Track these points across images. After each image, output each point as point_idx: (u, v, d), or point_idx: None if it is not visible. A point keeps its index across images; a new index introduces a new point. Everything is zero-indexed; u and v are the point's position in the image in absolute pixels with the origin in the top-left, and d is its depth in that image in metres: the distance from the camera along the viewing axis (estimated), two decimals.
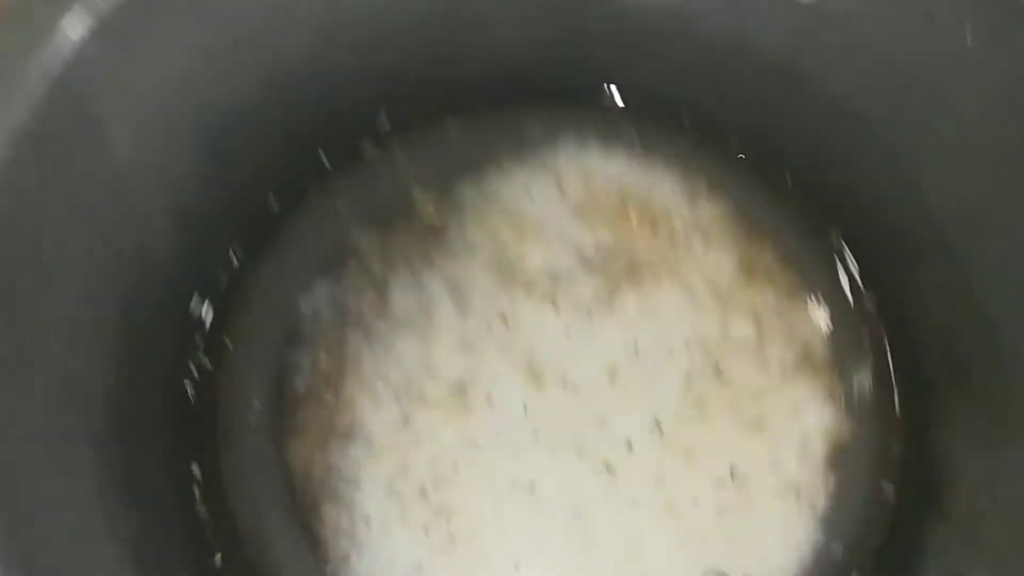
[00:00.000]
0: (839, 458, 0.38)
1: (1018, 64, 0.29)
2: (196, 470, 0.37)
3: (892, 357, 0.39)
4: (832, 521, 0.37)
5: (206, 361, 0.39)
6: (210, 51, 0.33)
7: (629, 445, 0.38)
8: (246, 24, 0.33)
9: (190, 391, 0.38)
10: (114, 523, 0.30)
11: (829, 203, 0.42)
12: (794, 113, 0.40)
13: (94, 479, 0.30)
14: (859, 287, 0.41)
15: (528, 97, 0.44)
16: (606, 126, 0.44)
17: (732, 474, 0.37)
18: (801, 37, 0.36)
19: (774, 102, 0.41)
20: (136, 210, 0.32)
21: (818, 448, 0.38)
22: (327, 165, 0.42)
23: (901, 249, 0.39)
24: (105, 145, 0.30)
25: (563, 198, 0.43)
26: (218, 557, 0.36)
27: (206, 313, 0.39)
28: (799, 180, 0.43)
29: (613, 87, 0.45)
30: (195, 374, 0.38)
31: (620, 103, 0.45)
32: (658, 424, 0.38)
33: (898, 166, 0.37)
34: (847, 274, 0.41)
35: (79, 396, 0.29)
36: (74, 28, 0.26)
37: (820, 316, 0.40)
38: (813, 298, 0.41)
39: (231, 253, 0.40)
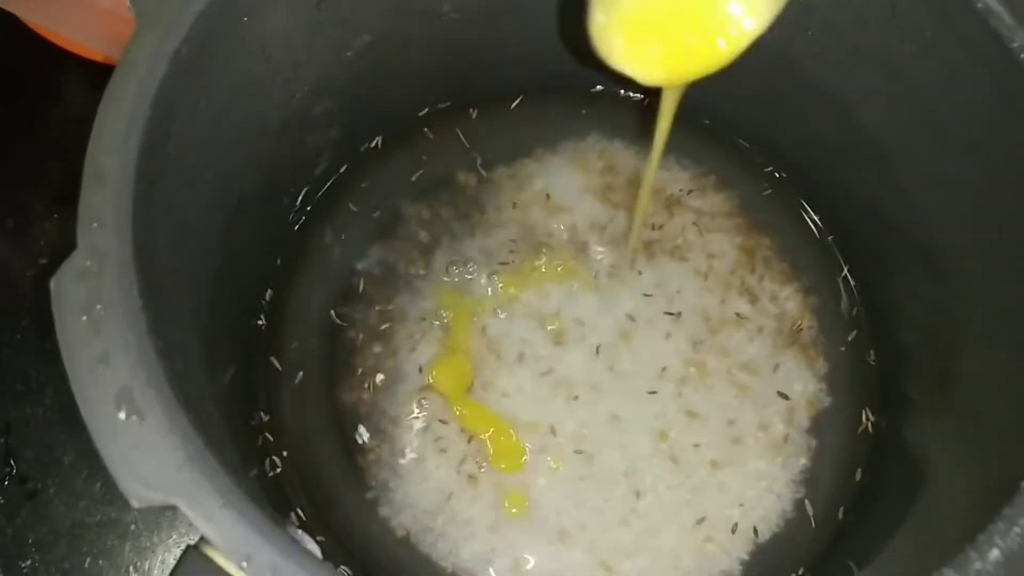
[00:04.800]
0: (819, 424, 0.43)
1: (964, 47, 0.34)
2: (263, 399, 0.42)
3: (874, 344, 0.45)
4: (811, 477, 0.42)
5: (275, 306, 0.44)
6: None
7: (638, 399, 0.43)
8: None
9: (261, 326, 0.43)
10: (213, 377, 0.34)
11: (820, 195, 0.48)
12: (788, 99, 0.45)
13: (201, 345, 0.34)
14: (847, 279, 0.47)
15: (561, 92, 0.50)
16: (629, 121, 0.50)
17: (726, 432, 0.43)
18: (790, 30, 0.41)
19: (771, 89, 0.45)
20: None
21: (801, 414, 0.44)
22: (386, 143, 0.48)
23: (879, 238, 0.45)
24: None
25: (588, 184, 0.49)
26: (279, 469, 0.41)
27: (280, 256, 0.45)
28: (794, 171, 0.49)
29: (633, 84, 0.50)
30: (263, 320, 0.44)
31: (642, 99, 0.51)
32: (663, 382, 0.44)
33: (870, 145, 0.42)
34: (837, 266, 0.47)
35: (192, 281, 0.34)
36: None
37: (808, 301, 0.46)
38: (803, 285, 0.46)
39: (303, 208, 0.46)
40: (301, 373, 0.43)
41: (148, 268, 0.27)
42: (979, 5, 0.31)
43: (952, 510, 0.35)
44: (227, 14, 0.32)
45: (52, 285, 0.25)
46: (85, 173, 0.27)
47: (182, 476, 0.23)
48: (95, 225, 0.26)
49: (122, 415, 0.24)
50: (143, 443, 0.23)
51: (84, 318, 0.25)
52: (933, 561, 0.26)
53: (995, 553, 0.26)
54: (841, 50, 0.39)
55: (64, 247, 0.49)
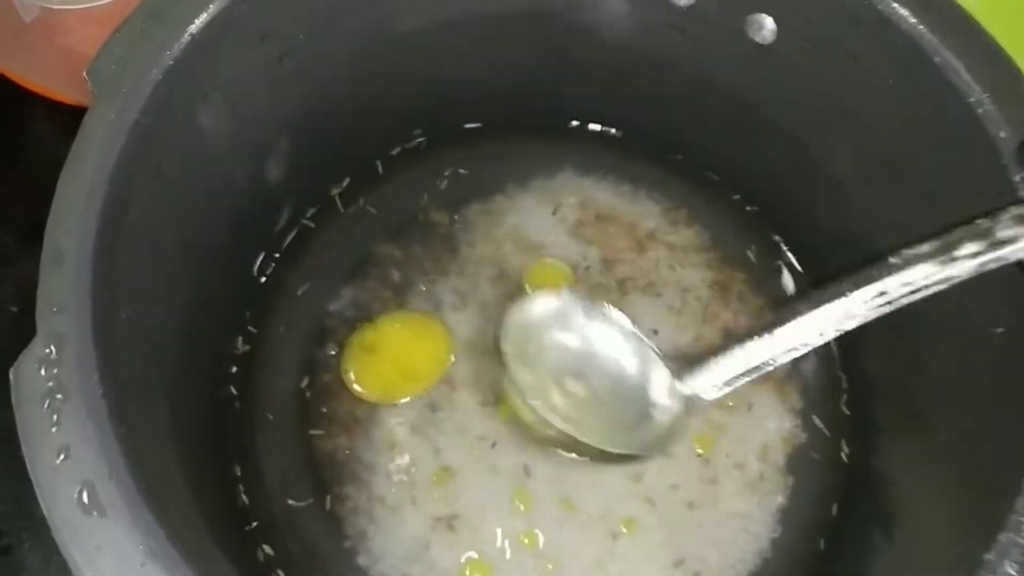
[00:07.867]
0: (794, 460, 0.44)
1: (923, 97, 0.34)
2: (236, 452, 0.42)
3: (846, 375, 0.45)
4: (788, 515, 0.43)
5: (246, 356, 0.44)
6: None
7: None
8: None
9: (232, 389, 0.43)
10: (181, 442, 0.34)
11: (790, 228, 0.48)
12: (751, 135, 0.46)
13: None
14: None
15: (532, 129, 0.50)
16: (601, 157, 0.50)
17: (701, 472, 0.43)
18: (752, 71, 0.42)
19: (735, 125, 0.46)
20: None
21: (776, 451, 0.44)
22: (355, 185, 0.48)
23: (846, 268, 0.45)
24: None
25: (560, 220, 0.49)
26: (255, 524, 0.41)
27: (249, 307, 0.45)
28: (763, 204, 0.49)
29: (607, 120, 0.50)
30: (235, 370, 0.44)
31: (615, 133, 0.51)
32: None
33: (828, 181, 0.43)
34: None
35: (156, 348, 0.33)
36: None
37: None
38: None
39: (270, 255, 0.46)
40: (276, 421, 0.43)
41: (109, 347, 0.27)
42: (937, 59, 0.32)
43: (933, 541, 0.35)
44: (186, 80, 0.32)
45: (11, 375, 0.25)
46: (44, 254, 0.27)
47: (145, 572, 0.23)
48: (54, 309, 0.26)
49: (84, 511, 0.23)
50: (106, 540, 0.23)
51: (44, 408, 0.25)
52: None
53: None
54: (802, 92, 0.40)
55: (33, 294, 0.49)
